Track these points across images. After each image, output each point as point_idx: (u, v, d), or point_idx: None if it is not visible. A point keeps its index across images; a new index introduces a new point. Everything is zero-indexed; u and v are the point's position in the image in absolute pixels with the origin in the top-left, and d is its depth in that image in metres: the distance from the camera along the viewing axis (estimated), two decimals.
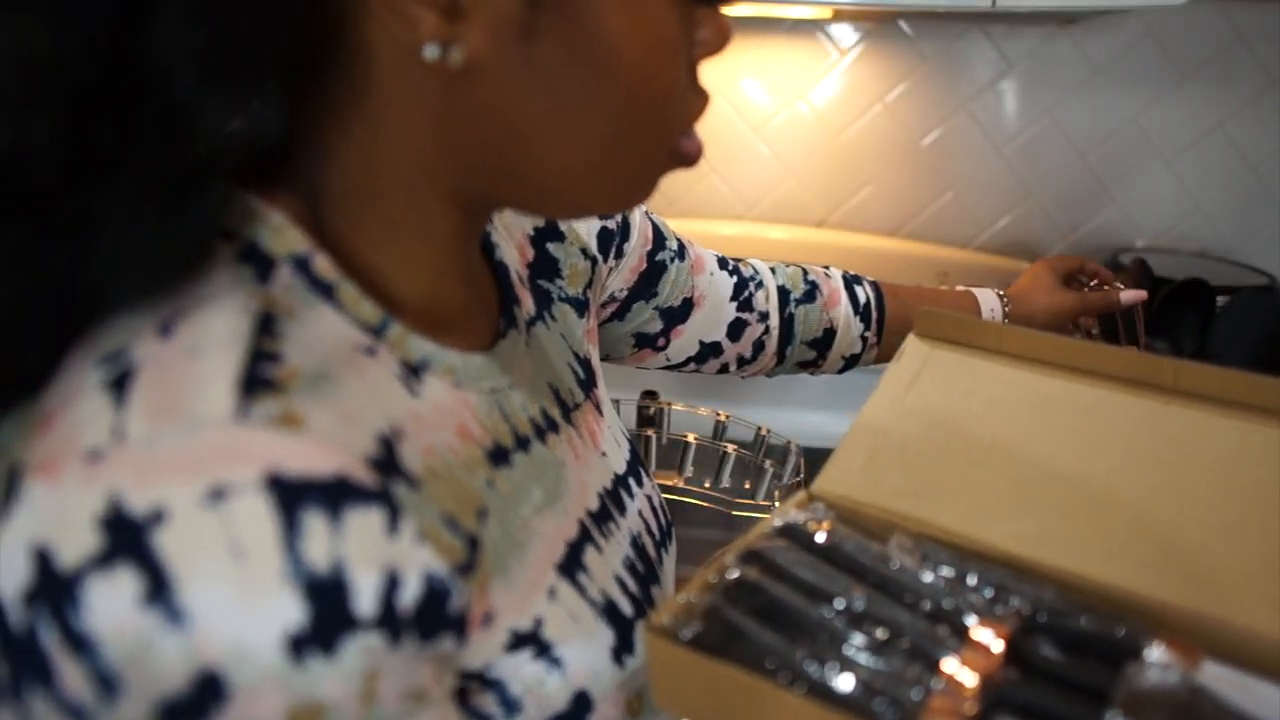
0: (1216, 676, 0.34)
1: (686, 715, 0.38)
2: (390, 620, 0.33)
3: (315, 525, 0.32)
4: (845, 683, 0.35)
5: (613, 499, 0.54)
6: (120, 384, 0.33)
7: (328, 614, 0.32)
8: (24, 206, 0.33)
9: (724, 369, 0.81)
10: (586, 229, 0.63)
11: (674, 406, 1.17)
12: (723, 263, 0.78)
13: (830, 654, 0.36)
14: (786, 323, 0.81)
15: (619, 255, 0.67)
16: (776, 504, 1.06)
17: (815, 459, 1.12)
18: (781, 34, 1.31)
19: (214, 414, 0.32)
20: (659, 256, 0.72)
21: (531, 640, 0.41)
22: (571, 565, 0.46)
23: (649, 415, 1.20)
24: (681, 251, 0.74)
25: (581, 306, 0.60)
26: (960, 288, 0.90)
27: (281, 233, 0.38)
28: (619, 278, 0.69)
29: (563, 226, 0.61)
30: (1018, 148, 1.34)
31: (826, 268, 0.85)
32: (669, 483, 1.11)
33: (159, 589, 0.30)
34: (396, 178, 0.40)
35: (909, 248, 1.36)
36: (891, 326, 0.85)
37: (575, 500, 0.49)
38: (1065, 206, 1.37)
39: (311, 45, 0.36)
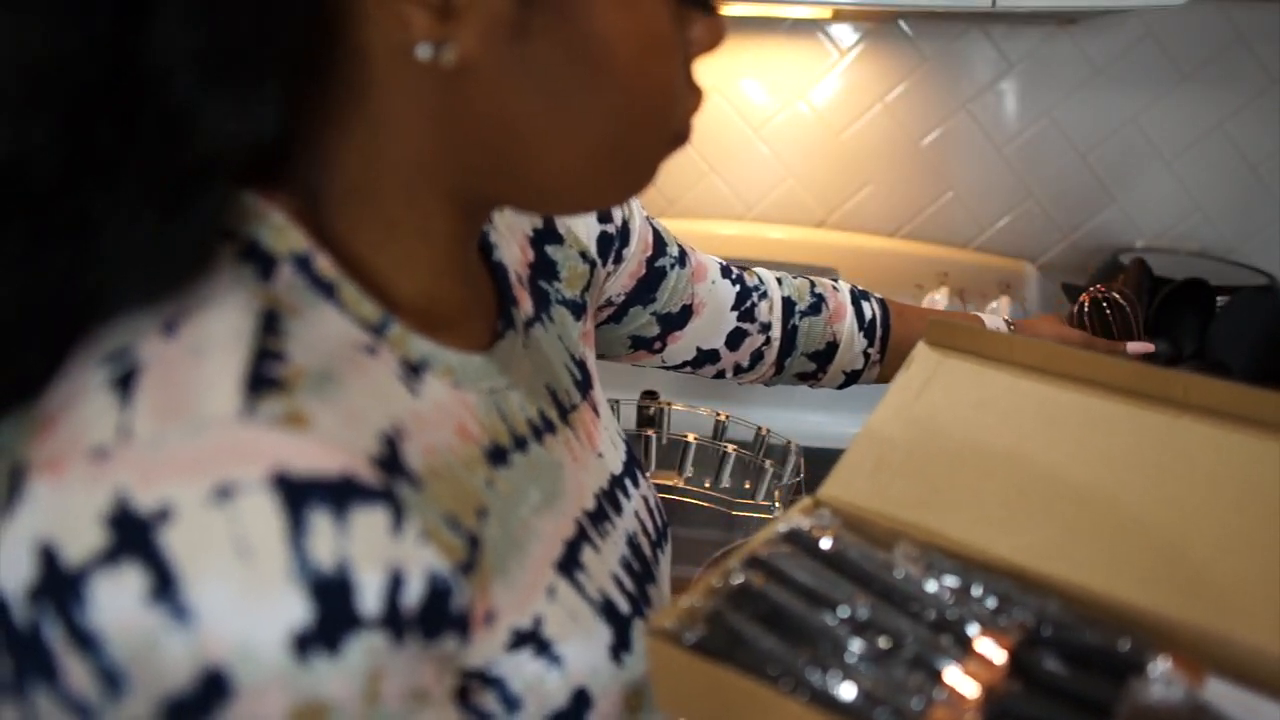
0: (1220, 693, 0.34)
1: (688, 718, 0.38)
2: (394, 619, 0.33)
3: (321, 524, 0.32)
4: (847, 691, 0.35)
5: (609, 499, 0.54)
6: (125, 383, 0.33)
7: (333, 613, 0.32)
8: (24, 209, 0.33)
9: (720, 375, 0.81)
10: (586, 232, 0.63)
11: (674, 406, 1.17)
12: (726, 271, 0.78)
13: (832, 662, 0.36)
14: (789, 334, 0.80)
15: (618, 260, 0.67)
16: (777, 504, 1.06)
17: (815, 459, 1.12)
18: (781, 34, 1.31)
19: (220, 413, 0.32)
20: (659, 263, 0.72)
21: (532, 639, 0.42)
22: (570, 564, 0.46)
23: (649, 415, 1.20)
24: (682, 258, 0.74)
25: (578, 309, 0.60)
26: (968, 312, 0.91)
27: (283, 232, 0.38)
28: (617, 282, 0.69)
29: (562, 230, 0.61)
30: (1018, 148, 1.34)
31: (835, 280, 0.85)
32: (669, 483, 1.11)
33: (165, 587, 0.30)
34: (395, 177, 0.40)
35: (909, 248, 1.36)
36: (896, 346, 0.84)
37: (572, 500, 0.49)
38: (1065, 206, 1.37)
39: (310, 45, 0.36)
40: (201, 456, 0.32)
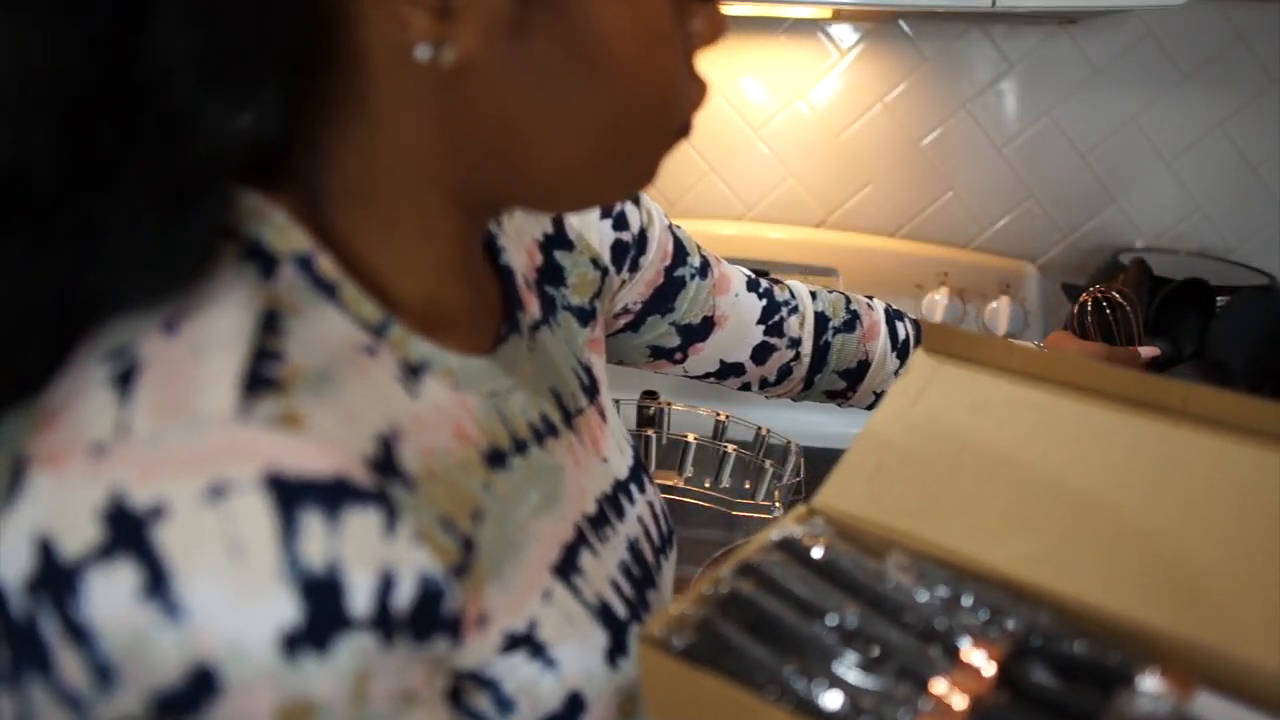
0: (1212, 707, 0.34)
1: None
2: (384, 621, 0.34)
3: (313, 525, 0.32)
4: (833, 700, 0.35)
5: (612, 504, 0.54)
6: (125, 379, 0.33)
7: (322, 613, 0.32)
8: (26, 212, 0.33)
9: (745, 387, 0.80)
10: (600, 240, 0.62)
11: (674, 406, 1.17)
12: (753, 284, 0.76)
13: (820, 671, 0.36)
14: (821, 350, 0.79)
15: (634, 269, 0.66)
16: (777, 504, 1.06)
17: (815, 459, 1.12)
18: (781, 34, 1.31)
19: (217, 412, 0.33)
20: (678, 272, 0.70)
21: (526, 641, 0.42)
22: (567, 568, 0.46)
23: (649, 415, 1.20)
24: (704, 269, 0.73)
25: (586, 316, 0.60)
26: (999, 337, 0.90)
27: (285, 231, 0.38)
28: (633, 290, 0.68)
29: (572, 236, 0.60)
30: (1018, 148, 1.34)
31: (870, 298, 0.83)
32: (669, 483, 1.11)
33: (157, 583, 0.31)
34: (395, 177, 0.40)
35: (909, 248, 1.36)
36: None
37: (572, 504, 0.49)
38: (1065, 206, 1.37)
39: (309, 45, 0.36)
40: (197, 455, 0.32)
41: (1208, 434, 0.42)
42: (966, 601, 0.39)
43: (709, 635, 0.38)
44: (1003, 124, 1.33)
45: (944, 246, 1.38)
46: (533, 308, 0.54)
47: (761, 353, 0.77)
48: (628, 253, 0.65)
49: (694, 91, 0.43)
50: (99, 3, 0.32)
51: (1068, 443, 0.45)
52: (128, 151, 0.33)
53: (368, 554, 0.33)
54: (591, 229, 0.62)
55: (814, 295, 0.80)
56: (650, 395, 1.20)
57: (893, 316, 0.83)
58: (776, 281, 0.79)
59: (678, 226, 0.72)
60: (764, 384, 0.80)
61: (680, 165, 1.36)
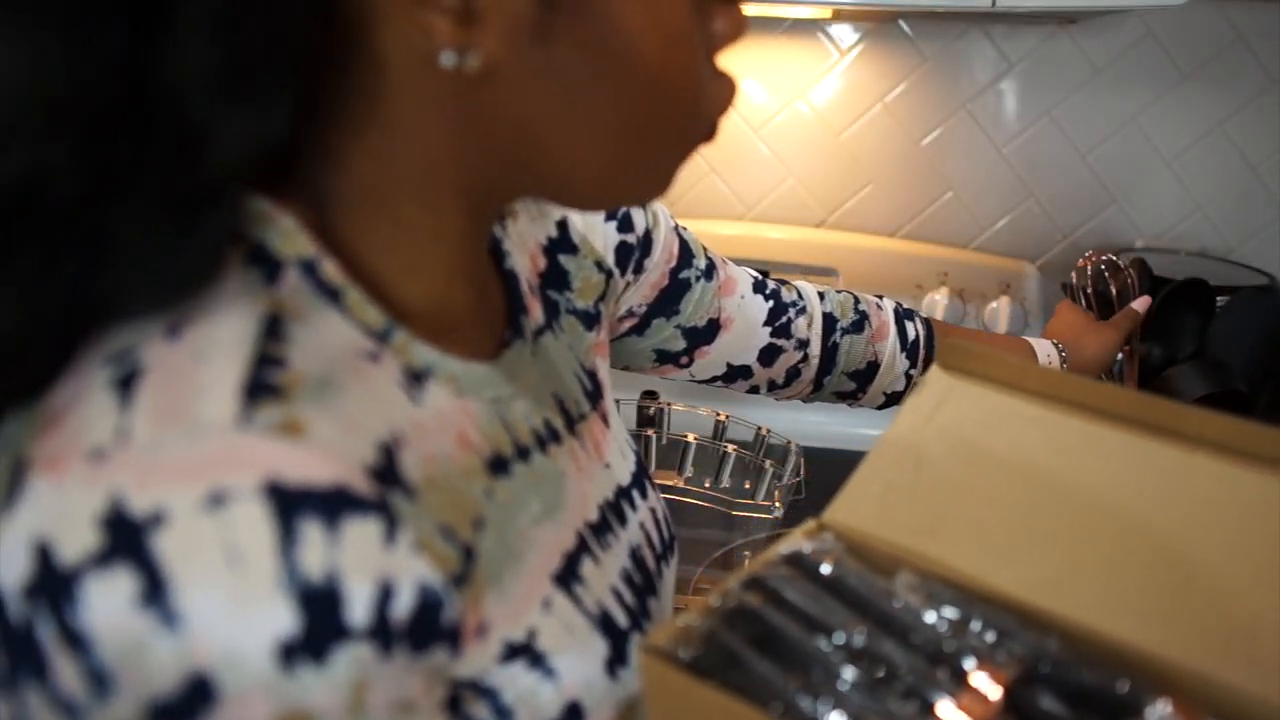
0: None
1: None
2: (382, 631, 0.33)
3: (312, 534, 0.32)
4: (837, 719, 0.34)
5: (614, 511, 0.53)
6: (127, 384, 0.33)
7: (320, 623, 0.32)
8: (40, 224, 0.33)
9: (754, 390, 0.79)
10: (604, 242, 0.62)
11: (674, 406, 1.17)
12: (759, 286, 0.76)
13: (824, 689, 0.35)
14: (829, 351, 0.78)
15: (638, 270, 0.66)
16: (777, 504, 1.06)
17: (815, 459, 1.12)
18: (781, 34, 1.31)
19: (217, 420, 0.32)
20: (683, 274, 0.70)
21: (525, 651, 0.41)
22: (568, 576, 0.46)
23: (649, 415, 1.20)
24: (710, 271, 0.72)
25: (591, 320, 0.60)
26: (1016, 336, 0.91)
27: (290, 236, 0.38)
28: (638, 293, 0.68)
29: (576, 239, 0.60)
30: (1018, 148, 1.34)
31: (880, 298, 0.83)
32: (669, 483, 1.11)
33: (155, 591, 0.30)
34: (410, 180, 0.40)
35: (909, 248, 1.36)
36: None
37: (574, 511, 0.49)
38: (1065, 206, 1.37)
39: (327, 54, 0.36)
40: (196, 462, 0.32)
41: (1222, 461, 0.42)
42: (975, 624, 0.38)
43: (715, 648, 0.38)
44: (1003, 124, 1.33)
45: (944, 246, 1.38)
46: (536, 313, 0.54)
47: (769, 355, 0.76)
48: (632, 255, 0.65)
49: (719, 91, 0.43)
50: (115, 19, 0.32)
51: (1081, 465, 0.44)
52: (143, 164, 0.33)
53: (367, 564, 0.33)
54: (596, 231, 0.62)
55: (822, 296, 0.80)
56: (650, 395, 1.20)
57: (902, 316, 0.82)
58: (784, 283, 0.79)
59: (684, 228, 0.72)
60: (773, 386, 0.79)
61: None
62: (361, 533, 0.33)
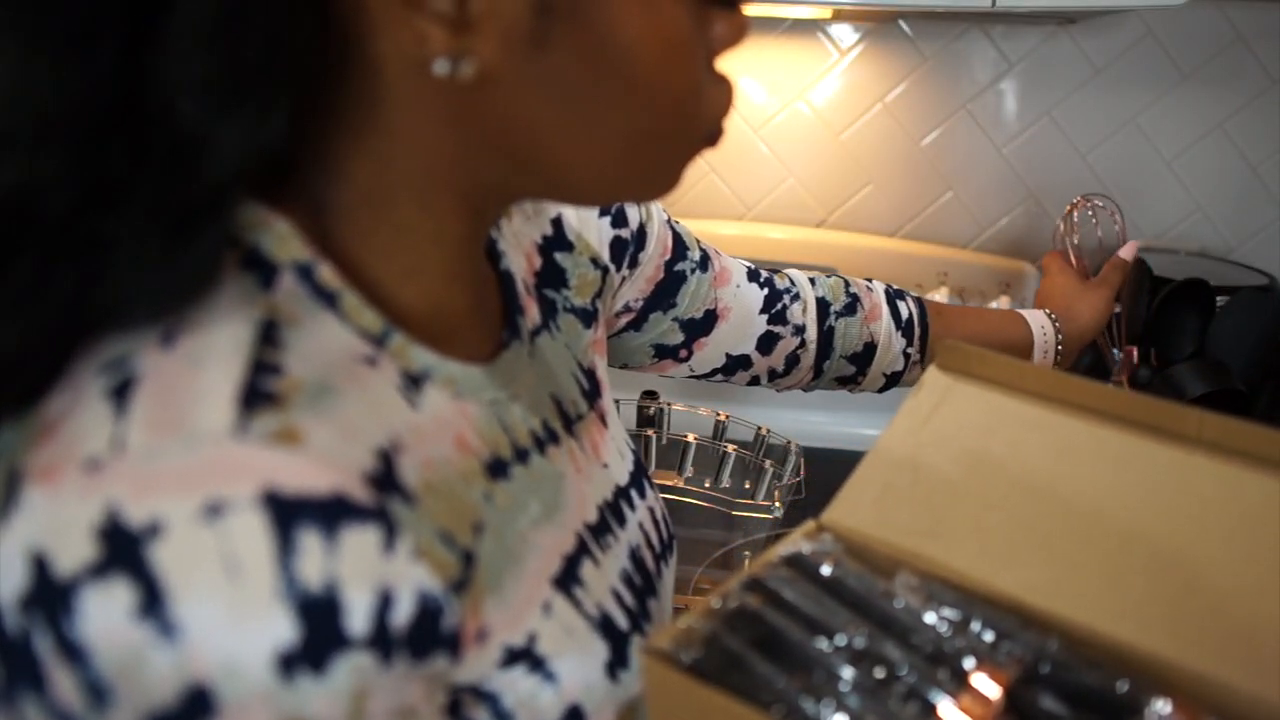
0: None
1: None
2: (382, 639, 0.33)
3: (310, 544, 0.32)
4: None
5: (613, 511, 0.53)
6: (122, 393, 0.33)
7: (319, 633, 0.32)
8: (36, 235, 0.33)
9: (754, 381, 0.79)
10: (598, 238, 0.62)
11: (674, 406, 1.17)
12: (753, 275, 0.76)
13: (826, 690, 0.36)
14: (825, 335, 0.79)
15: (633, 265, 0.66)
16: (777, 504, 1.06)
17: (815, 459, 1.12)
18: (781, 34, 1.31)
19: (213, 429, 0.32)
20: (678, 267, 0.70)
21: (525, 655, 0.41)
22: (567, 579, 0.46)
23: (649, 415, 1.20)
24: (704, 262, 0.72)
25: (589, 317, 0.60)
26: (1008, 309, 0.90)
27: (286, 240, 0.38)
28: (633, 288, 0.68)
29: (571, 237, 0.60)
30: (1018, 148, 1.34)
31: (869, 281, 0.83)
32: (669, 483, 1.11)
33: (152, 602, 0.30)
34: (410, 185, 0.40)
35: (909, 248, 1.36)
36: (935, 345, 0.82)
37: (573, 513, 0.49)
38: (1065, 206, 1.37)
39: (322, 62, 0.36)
40: (193, 472, 0.32)
41: (1221, 462, 0.42)
42: (975, 625, 0.38)
43: (716, 650, 0.38)
44: (1003, 124, 1.33)
45: (944, 246, 1.38)
46: (533, 313, 0.54)
47: (767, 342, 0.76)
48: (627, 249, 0.65)
49: (718, 95, 0.43)
50: (107, 31, 0.32)
51: (1080, 467, 0.44)
52: (139, 176, 0.33)
53: (366, 573, 0.33)
54: (590, 227, 0.62)
55: (813, 281, 0.80)
56: (650, 395, 1.20)
57: (893, 296, 0.83)
58: (776, 271, 0.79)
59: (676, 221, 0.72)
60: (773, 375, 0.79)
61: None
62: (360, 541, 0.33)
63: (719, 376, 0.78)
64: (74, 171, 0.33)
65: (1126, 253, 0.98)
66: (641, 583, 0.53)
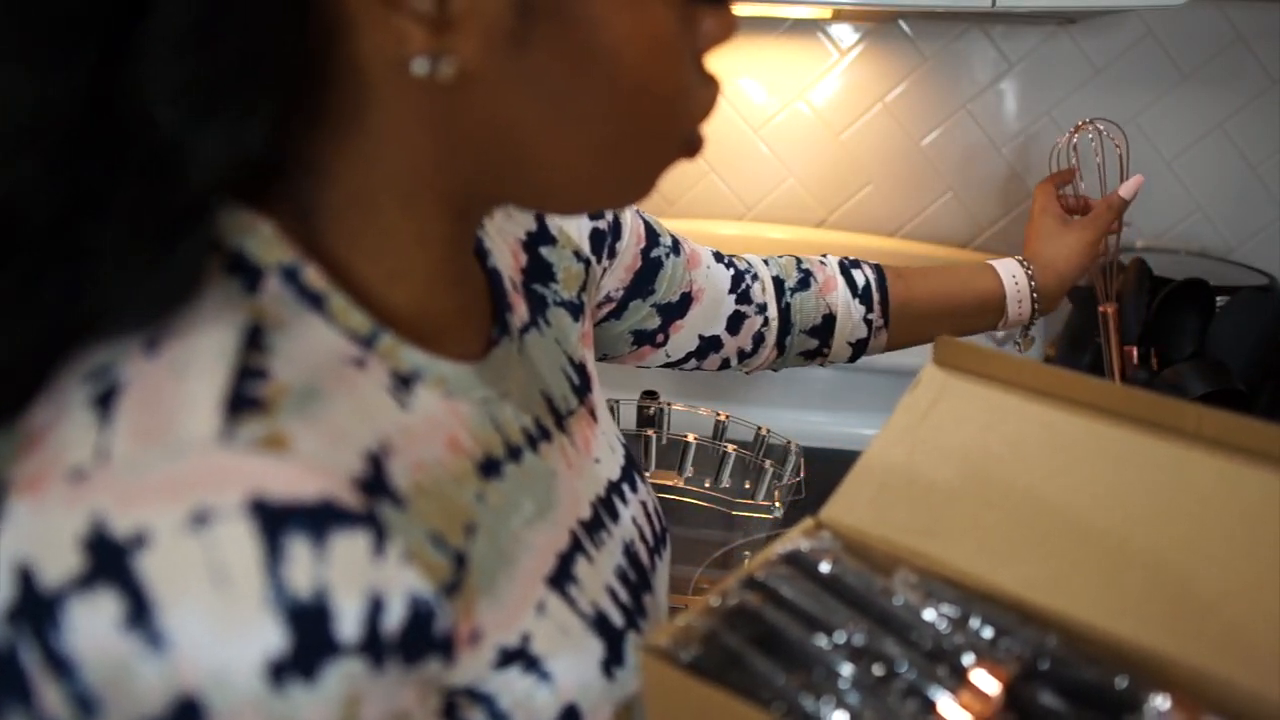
0: None
1: None
2: (374, 645, 0.33)
3: (298, 550, 0.32)
4: (839, 718, 0.34)
5: (606, 506, 0.53)
6: (106, 401, 0.33)
7: (309, 640, 0.31)
8: (17, 245, 0.33)
9: (725, 364, 0.80)
10: (578, 231, 0.62)
11: (674, 406, 1.17)
12: (718, 257, 0.77)
13: (826, 688, 0.36)
14: (784, 312, 0.80)
15: (612, 255, 0.67)
16: (777, 504, 1.06)
17: (815, 459, 1.12)
18: (781, 34, 1.31)
19: (198, 437, 0.32)
20: (654, 253, 0.71)
21: (520, 656, 0.41)
22: (562, 577, 0.46)
23: (649, 415, 1.20)
24: (676, 247, 0.73)
25: (576, 310, 0.60)
26: (979, 261, 0.86)
27: (270, 243, 0.38)
28: (614, 277, 0.68)
29: (553, 230, 0.60)
30: (1017, 148, 1.34)
31: (823, 256, 0.84)
32: (669, 483, 1.11)
33: (140, 613, 0.30)
34: (395, 187, 0.40)
35: (909, 248, 1.36)
36: (899, 309, 0.83)
37: (567, 510, 0.49)
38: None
39: (302, 65, 0.35)
40: (179, 481, 0.31)
41: (1220, 457, 0.42)
42: (974, 622, 0.38)
43: (715, 648, 0.38)
44: (1003, 124, 1.33)
45: (944, 246, 1.38)
46: (521, 310, 0.54)
47: (735, 322, 0.77)
48: (605, 240, 0.65)
49: (704, 96, 0.42)
50: (85, 39, 0.32)
51: (1078, 463, 0.44)
52: (119, 184, 0.33)
53: (355, 578, 0.33)
54: (569, 222, 0.62)
55: (766, 261, 0.81)
56: (650, 395, 1.20)
57: (848, 266, 0.83)
58: (732, 256, 0.80)
59: (640, 211, 0.73)
60: (742, 356, 0.80)
61: (680, 165, 1.36)
62: (349, 547, 0.33)
63: (692, 362, 0.78)
64: (54, 180, 0.32)
65: (1127, 190, 0.90)
66: (637, 578, 0.53)
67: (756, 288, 0.78)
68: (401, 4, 0.34)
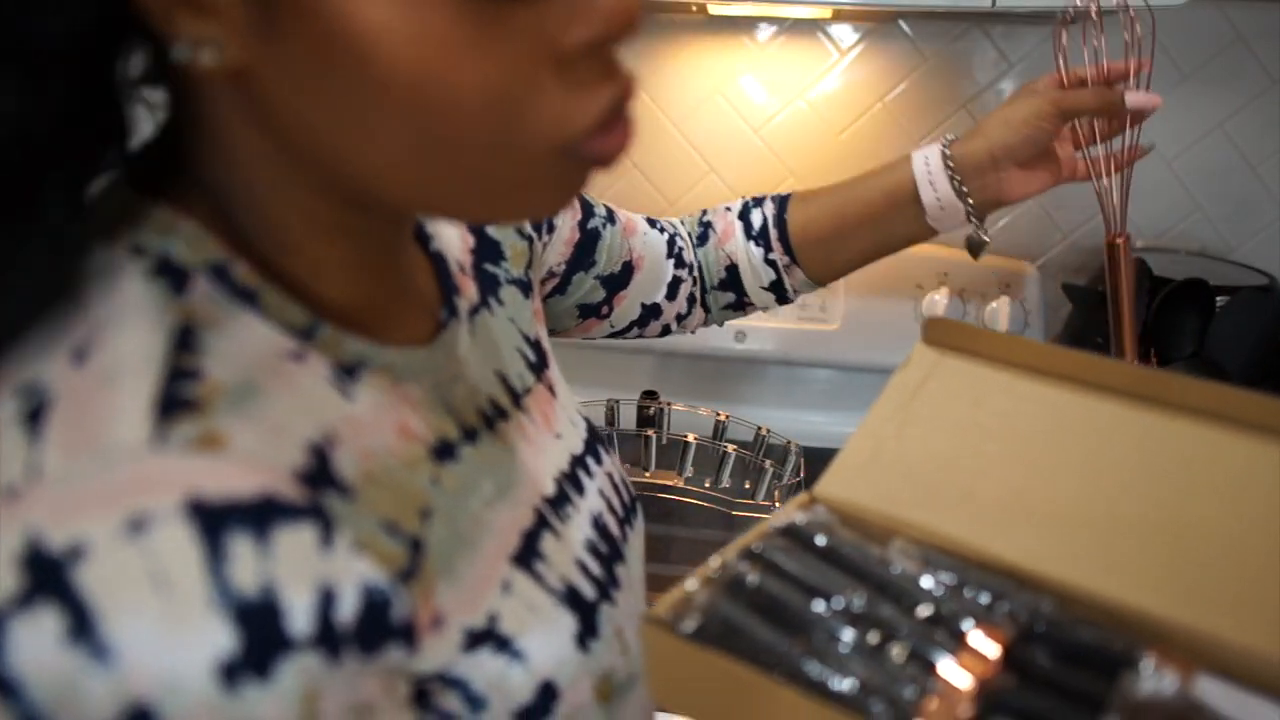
0: (1211, 690, 0.34)
1: (683, 709, 0.38)
2: (328, 637, 0.33)
3: (241, 548, 0.31)
4: (843, 682, 0.35)
5: (570, 481, 0.53)
6: (35, 417, 0.32)
7: (260, 638, 0.31)
8: None
9: (665, 330, 0.80)
10: None
11: (674, 406, 1.18)
12: (651, 222, 0.77)
13: (827, 653, 0.36)
14: (700, 271, 0.80)
15: (550, 229, 0.66)
16: (777, 504, 1.06)
17: (815, 459, 1.12)
18: (781, 34, 1.31)
19: (130, 443, 0.32)
20: (591, 224, 0.71)
21: (488, 636, 0.41)
22: (528, 555, 0.45)
23: (649, 415, 1.20)
24: (611, 216, 0.73)
25: (526, 287, 0.59)
26: (882, 167, 0.76)
27: (196, 242, 0.37)
28: (554, 252, 0.68)
29: None
30: None
31: (730, 204, 0.81)
32: (669, 483, 1.11)
33: (82, 626, 0.30)
34: (260, 181, 0.38)
35: (909, 248, 1.35)
36: (801, 238, 0.77)
37: (529, 488, 0.48)
38: (1065, 206, 1.37)
39: (108, 42, 0.34)
40: (113, 489, 0.31)
41: (1204, 427, 0.43)
42: (970, 588, 0.39)
43: (716, 617, 0.38)
44: None
45: (944, 246, 1.38)
46: (470, 291, 0.53)
47: (673, 288, 0.77)
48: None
49: (567, 102, 0.36)
50: None
51: (1068, 435, 0.45)
52: None
53: (303, 572, 0.32)
54: None
55: (682, 222, 0.81)
56: (650, 395, 1.20)
57: (748, 208, 0.79)
58: (658, 219, 0.80)
59: None
60: (680, 319, 0.80)
61: (680, 165, 1.36)
62: (295, 540, 0.33)
63: (635, 331, 0.77)
64: None
65: (1135, 99, 0.71)
66: (608, 550, 0.53)
67: (684, 249, 0.78)
68: None
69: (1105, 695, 0.34)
